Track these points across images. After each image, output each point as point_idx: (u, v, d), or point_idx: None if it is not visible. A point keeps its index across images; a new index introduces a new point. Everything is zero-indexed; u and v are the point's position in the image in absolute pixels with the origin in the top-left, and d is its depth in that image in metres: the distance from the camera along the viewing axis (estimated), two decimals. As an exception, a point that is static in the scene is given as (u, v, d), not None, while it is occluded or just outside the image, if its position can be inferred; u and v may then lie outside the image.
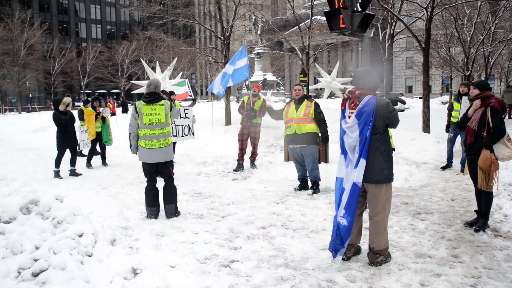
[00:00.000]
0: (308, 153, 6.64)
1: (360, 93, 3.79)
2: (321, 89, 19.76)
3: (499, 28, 23.72)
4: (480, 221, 4.86)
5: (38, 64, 47.10)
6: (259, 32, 27.23)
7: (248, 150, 9.29)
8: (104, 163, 9.96)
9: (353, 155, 3.80)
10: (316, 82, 23.45)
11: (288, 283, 3.55)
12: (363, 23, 7.36)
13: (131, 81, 25.86)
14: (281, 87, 25.64)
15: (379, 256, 3.86)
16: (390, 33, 19.32)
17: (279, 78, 36.04)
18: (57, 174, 8.34)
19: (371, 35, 10.87)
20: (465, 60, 22.00)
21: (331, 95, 21.08)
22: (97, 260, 3.87)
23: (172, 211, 5.46)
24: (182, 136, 8.73)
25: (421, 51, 13.61)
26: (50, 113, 28.03)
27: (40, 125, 17.67)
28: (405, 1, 17.94)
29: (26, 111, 42.94)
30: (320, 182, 6.88)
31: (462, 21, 21.22)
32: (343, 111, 3.93)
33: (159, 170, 5.50)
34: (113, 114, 22.48)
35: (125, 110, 28.87)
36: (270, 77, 26.32)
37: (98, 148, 9.97)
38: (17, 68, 42.88)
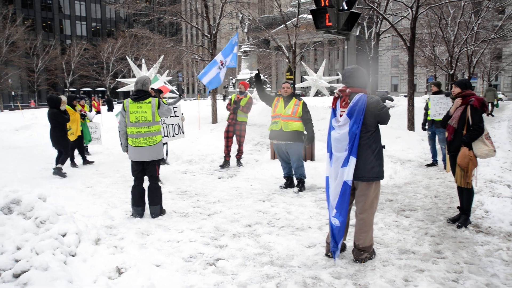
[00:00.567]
0: (293, 151, 6.66)
1: (350, 91, 3.79)
2: (307, 87, 19.83)
3: (482, 28, 24.13)
4: (462, 217, 4.94)
5: (21, 61, 46.20)
6: (245, 30, 27.24)
7: (234, 148, 9.31)
8: (86, 162, 9.78)
9: (341, 153, 3.77)
10: (302, 80, 23.52)
11: (273, 280, 3.56)
12: (349, 22, 7.42)
13: (117, 79, 25.62)
14: (268, 85, 25.64)
15: (363, 253, 3.89)
16: (376, 31, 19.48)
17: (266, 76, 36.07)
18: (60, 172, 8.21)
19: (357, 34, 10.93)
20: (449, 59, 22.33)
21: (318, 93, 21.19)
22: (81, 260, 3.83)
23: (157, 212, 5.41)
24: (173, 136, 8.65)
25: (406, 49, 13.76)
26: (33, 111, 27.62)
27: (23, 123, 17.35)
28: (390, 0, 18.09)
29: (9, 109, 42.17)
30: (306, 180, 6.91)
31: (446, 20, 21.50)
32: (333, 109, 3.92)
33: (145, 168, 5.45)
34: (98, 112, 22.26)
35: (110, 108, 28.59)
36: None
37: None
38: (-1, 65, 42.07)
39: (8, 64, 45.06)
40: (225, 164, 9.00)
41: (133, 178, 5.50)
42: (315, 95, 20.94)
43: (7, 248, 3.74)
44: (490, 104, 23.94)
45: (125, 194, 6.44)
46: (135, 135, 5.30)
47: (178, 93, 11.04)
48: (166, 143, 8.83)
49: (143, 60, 15.41)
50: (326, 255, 4.04)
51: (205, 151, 10.37)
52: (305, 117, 6.61)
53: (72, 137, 9.29)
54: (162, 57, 16.07)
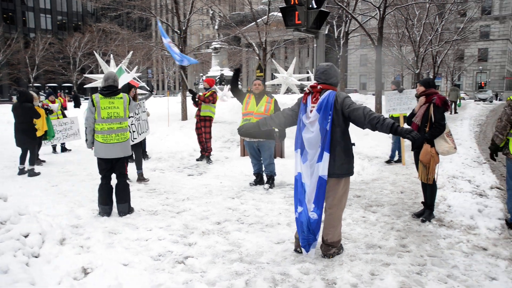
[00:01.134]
0: (265, 148, 6.69)
1: (322, 88, 3.82)
2: (278, 84, 19.94)
3: (445, 29, 24.93)
4: (426, 212, 5.11)
5: (-21, 54, 44.22)
6: (216, 27, 27.07)
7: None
8: (38, 162, 9.34)
9: (314, 149, 3.79)
10: (273, 78, 23.62)
11: (242, 277, 3.57)
12: (318, 20, 7.50)
13: (84, 75, 24.96)
14: (239, 82, 25.59)
15: (332, 248, 3.95)
16: (345, 31, 19.80)
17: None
18: (34, 172, 7.91)
19: (326, 32, 11.08)
20: (415, 58, 22.96)
21: (288, 90, 21.33)
22: (45, 261, 3.72)
23: (125, 210, 5.32)
24: (144, 132, 8.50)
25: (374, 49, 14.04)
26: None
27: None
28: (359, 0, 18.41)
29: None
30: (275, 177, 6.95)
31: (412, 21, 22.09)
32: (304, 105, 3.92)
33: (113, 166, 5.34)
34: (65, 108, 21.58)
35: (77, 105, 27.78)
36: (228, 72, 26.23)
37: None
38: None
39: (-36, 57, 43.04)
40: (201, 158, 9.32)
41: (100, 176, 5.38)
42: (285, 93, 21.07)
43: (-36, 250, 3.59)
44: (453, 103, 25.01)
45: (92, 192, 6.29)
46: (107, 131, 5.18)
47: (148, 88, 10.85)
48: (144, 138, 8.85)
49: (111, 55, 15.04)
50: (296, 250, 4.08)
51: (174, 148, 10.29)
52: None
53: (38, 133, 8.99)
54: (131, 52, 15.72)
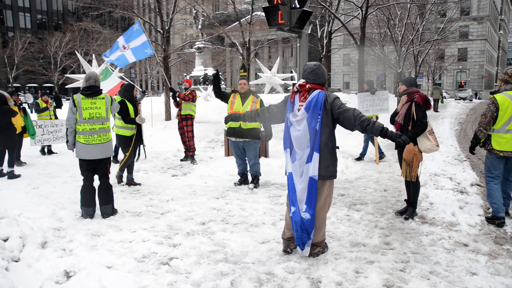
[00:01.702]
0: (251, 148, 6.69)
1: (310, 87, 3.83)
2: (262, 84, 19.96)
3: (426, 29, 25.36)
4: (409, 210, 5.18)
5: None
6: (199, 27, 26.94)
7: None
8: (19, 162, 9.07)
9: (303, 149, 3.79)
10: (257, 77, 23.63)
11: (227, 277, 3.56)
12: (301, 20, 7.53)
13: (66, 75, 24.53)
14: (222, 82, 25.56)
15: (316, 247, 3.98)
16: (328, 30, 19.91)
17: (220, 73, 35.89)
18: (14, 175, 7.71)
19: (309, 32, 11.16)
20: (397, 58, 23.25)
21: (272, 90, 21.38)
22: (26, 265, 3.64)
23: (109, 212, 5.25)
24: None
25: (357, 48, 14.17)
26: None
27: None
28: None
29: None
30: (260, 177, 6.96)
31: (394, 21, 22.37)
32: (291, 103, 3.91)
33: (96, 167, 5.27)
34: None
35: (58, 105, 27.30)
36: (211, 72, 26.11)
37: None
38: None
39: None
40: (186, 158, 9.33)
41: (82, 177, 5.30)
42: (269, 92, 21.10)
43: None
44: (436, 101, 25.59)
45: (75, 194, 6.19)
46: (89, 132, 5.11)
47: (141, 89, 10.75)
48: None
49: (93, 55, 14.85)
50: (285, 251, 4.06)
51: (158, 149, 10.20)
52: None
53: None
54: (113, 52, 15.54)
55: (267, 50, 61.16)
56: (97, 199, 5.29)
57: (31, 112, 9.79)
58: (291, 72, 28.80)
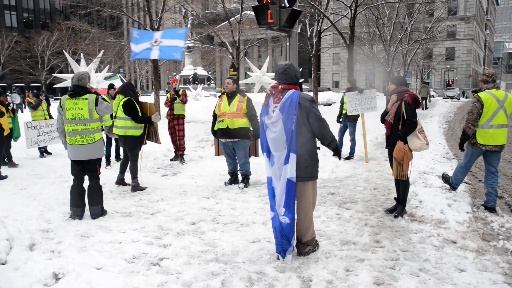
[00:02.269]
0: (240, 148, 6.69)
1: (283, 87, 3.77)
2: (251, 83, 19.96)
3: (415, 29, 25.64)
4: (399, 208, 5.21)
5: None
6: (189, 26, 26.81)
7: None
8: (11, 164, 8.91)
9: (280, 151, 3.72)
10: (246, 76, 23.62)
11: (218, 277, 3.55)
12: (290, 19, 7.54)
13: (53, 74, 24.28)
14: (212, 82, 25.50)
15: (306, 246, 3.96)
16: (317, 29, 19.97)
17: (210, 73, 35.85)
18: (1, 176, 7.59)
19: (299, 31, 11.19)
20: (386, 57, 23.42)
21: (262, 89, 21.39)
22: (13, 268, 3.59)
23: (98, 213, 5.20)
24: None
25: (346, 47, 14.24)
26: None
27: None
28: (331, -1, 18.62)
29: None
30: (250, 176, 6.96)
31: (383, 20, 22.54)
32: (265, 106, 3.86)
33: (85, 167, 5.22)
34: (39, 103, 20.95)
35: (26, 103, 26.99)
36: (201, 71, 26.07)
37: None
38: None
39: None
40: (175, 158, 9.29)
41: (72, 177, 5.25)
42: (259, 91, 21.12)
43: None
44: (424, 99, 25.92)
45: (63, 195, 6.12)
46: (72, 133, 5.07)
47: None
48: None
49: (81, 54, 14.72)
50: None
51: (147, 149, 10.11)
52: (250, 113, 6.64)
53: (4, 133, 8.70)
54: (102, 51, 15.47)
55: (257, 49, 61.22)
56: (86, 200, 5.24)
57: (21, 111, 9.61)
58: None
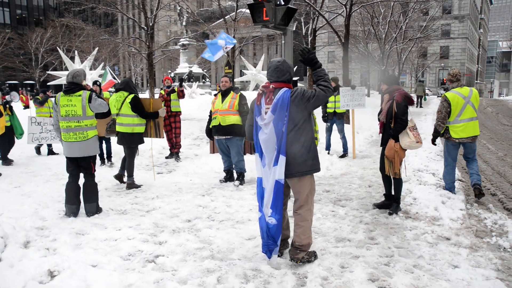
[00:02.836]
0: (233, 145, 6.70)
1: (274, 87, 3.61)
2: (247, 81, 19.95)
3: (409, 27, 25.74)
4: (394, 205, 5.25)
5: None
6: (184, 23, 26.76)
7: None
8: (7, 162, 8.85)
9: (271, 153, 3.61)
10: (242, 74, 23.61)
11: (214, 274, 3.56)
12: (285, 17, 7.55)
13: (47, 72, 24.11)
14: (207, 79, 25.46)
15: (300, 252, 3.72)
16: (313, 27, 19.99)
17: (205, 71, 35.77)
18: None
19: (294, 29, 11.18)
20: (381, 55, 23.49)
21: (257, 87, 21.38)
22: (7, 266, 3.58)
23: (93, 210, 5.19)
24: None
25: (341, 46, 14.26)
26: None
27: None
28: (326, -3, 18.63)
29: None
30: (245, 174, 6.97)
31: (378, 19, 22.59)
32: (258, 107, 3.72)
33: (80, 164, 5.21)
34: (27, 107, 20.82)
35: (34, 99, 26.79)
36: (196, 69, 26.01)
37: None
38: None
39: None
40: (171, 156, 9.30)
41: (67, 175, 5.24)
42: (254, 89, 21.12)
43: None
44: (420, 97, 26.09)
45: (58, 192, 6.10)
46: (65, 130, 5.06)
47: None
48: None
49: (75, 52, 14.63)
50: (277, 255, 3.89)
51: (143, 146, 10.09)
52: (242, 109, 6.62)
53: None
54: (96, 49, 15.40)
55: (252, 47, 61.12)
56: (81, 197, 5.23)
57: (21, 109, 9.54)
58: (276, 69, 28.75)
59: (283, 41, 8.28)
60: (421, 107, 25.19)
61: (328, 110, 9.24)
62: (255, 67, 18.91)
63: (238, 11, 19.68)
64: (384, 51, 23.19)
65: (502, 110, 23.15)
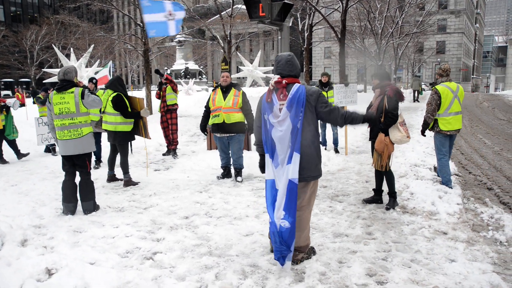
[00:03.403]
0: (235, 142, 6.68)
1: (287, 82, 3.49)
2: (243, 77, 19.92)
3: (406, 22, 25.74)
4: (390, 200, 5.27)
5: None
6: None
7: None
8: (19, 156, 9.04)
9: (285, 150, 3.46)
10: (238, 70, 23.56)
11: (212, 270, 3.56)
12: (282, 12, 7.52)
13: (43, 69, 23.99)
14: (204, 76, 25.40)
15: (298, 253, 3.68)
16: (309, 23, 19.96)
17: (202, 67, 35.70)
18: None
19: (290, 25, 11.19)
20: (377, 50, 23.48)
21: (254, 83, 21.37)
22: (5, 264, 3.57)
23: (90, 208, 5.18)
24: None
25: (337, 41, 14.24)
26: None
27: None
28: (322, -8, 18.59)
29: None
30: (243, 170, 6.96)
31: (374, 14, 22.57)
32: (269, 104, 3.54)
33: (75, 163, 5.19)
34: (23, 105, 20.73)
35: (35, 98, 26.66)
36: (192, 65, 25.95)
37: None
38: None
39: None
40: (168, 152, 9.28)
41: (64, 173, 5.22)
42: (251, 86, 21.10)
43: None
44: (416, 92, 26.17)
45: (55, 191, 6.09)
46: (60, 128, 5.04)
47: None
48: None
49: (71, 49, 14.57)
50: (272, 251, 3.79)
51: (139, 144, 10.07)
52: (245, 107, 6.60)
53: None
54: (92, 46, 15.32)
55: (249, 43, 61.06)
56: (78, 196, 5.21)
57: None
58: (273, 65, 28.83)
59: (279, 37, 8.27)
60: (417, 101, 25.29)
61: None
62: (251, 63, 18.87)
63: (234, 7, 19.63)
64: (381, 46, 23.18)
65: (498, 104, 23.24)
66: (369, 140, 5.48)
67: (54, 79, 13.01)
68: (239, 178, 6.75)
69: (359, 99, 9.65)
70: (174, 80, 9.32)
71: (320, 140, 9.40)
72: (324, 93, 9.04)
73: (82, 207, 5.19)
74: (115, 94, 6.45)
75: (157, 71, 9.33)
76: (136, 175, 7.35)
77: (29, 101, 26.08)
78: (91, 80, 8.84)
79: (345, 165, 7.98)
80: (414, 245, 4.05)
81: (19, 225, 4.54)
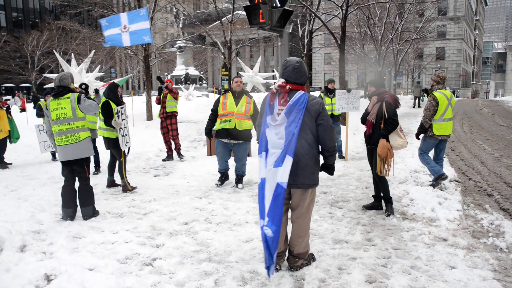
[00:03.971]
0: (241, 149, 6.67)
1: (290, 88, 3.42)
2: (244, 83, 19.97)
3: (405, 28, 25.84)
4: (388, 206, 5.27)
5: None
6: (180, 26, 26.78)
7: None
8: (3, 165, 8.86)
9: (276, 149, 3.37)
10: (238, 76, 23.61)
11: (211, 277, 3.55)
12: (282, 19, 7.57)
13: (44, 75, 24.06)
14: (204, 82, 25.46)
15: (298, 260, 3.66)
16: (309, 29, 20.02)
17: (202, 73, 35.79)
18: None
19: (290, 31, 11.20)
20: (377, 57, 23.56)
21: (254, 89, 21.40)
22: (4, 270, 3.57)
23: (89, 214, 5.17)
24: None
25: (337, 47, 14.29)
26: None
27: None
28: (322, -1, 18.67)
29: None
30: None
31: (374, 20, 22.66)
32: (270, 106, 3.51)
33: (73, 169, 5.19)
34: (23, 110, 20.76)
35: (36, 106, 26.71)
36: (193, 71, 26.01)
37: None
38: None
39: None
40: (168, 158, 9.30)
41: (63, 178, 5.23)
42: (251, 91, 21.15)
43: None
44: (417, 98, 26.30)
45: (54, 196, 6.09)
46: (57, 133, 5.05)
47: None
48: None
49: (72, 54, 14.60)
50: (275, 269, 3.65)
51: (140, 149, 10.10)
52: (255, 116, 6.51)
53: (1, 135, 8.61)
54: (93, 52, 15.35)
55: (249, 49, 61.25)
56: (78, 201, 5.21)
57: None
58: (273, 71, 28.89)
59: (279, 43, 8.30)
60: (419, 107, 25.38)
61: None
62: (252, 69, 18.92)
63: (234, 13, 19.70)
64: (381, 52, 23.26)
65: (498, 110, 23.26)
66: (367, 146, 5.48)
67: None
68: (239, 185, 6.74)
69: (360, 105, 9.63)
70: (175, 87, 9.41)
71: None
72: (329, 99, 9.03)
73: (81, 212, 5.18)
74: (103, 100, 6.54)
75: (158, 78, 9.38)
76: (136, 180, 7.35)
77: (29, 106, 26.16)
78: (80, 86, 8.82)
79: (345, 171, 7.98)
80: (414, 252, 4.04)
81: (18, 230, 4.53)
